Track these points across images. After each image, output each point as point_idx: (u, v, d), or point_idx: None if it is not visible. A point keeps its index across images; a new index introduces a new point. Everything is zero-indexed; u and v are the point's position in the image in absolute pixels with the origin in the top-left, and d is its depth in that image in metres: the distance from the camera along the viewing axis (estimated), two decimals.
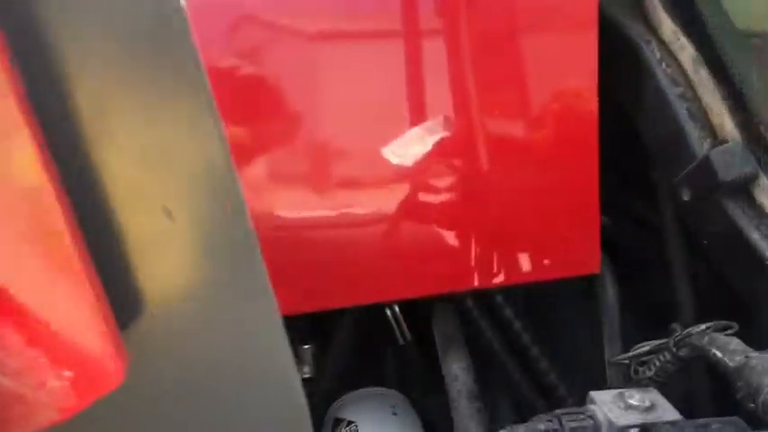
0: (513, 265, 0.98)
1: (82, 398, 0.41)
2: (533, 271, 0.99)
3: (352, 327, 1.29)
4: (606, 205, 1.05)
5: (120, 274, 0.45)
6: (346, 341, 1.30)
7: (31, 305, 0.38)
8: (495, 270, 0.98)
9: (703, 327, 0.78)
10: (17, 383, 0.40)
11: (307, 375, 1.29)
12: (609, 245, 1.09)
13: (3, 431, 0.42)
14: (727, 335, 0.77)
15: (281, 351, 0.53)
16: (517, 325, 1.14)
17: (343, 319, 1.29)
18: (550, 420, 0.76)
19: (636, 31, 1.01)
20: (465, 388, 0.97)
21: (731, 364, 0.72)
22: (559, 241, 1.00)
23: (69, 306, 0.40)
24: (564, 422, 0.76)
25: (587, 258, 1.04)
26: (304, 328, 1.27)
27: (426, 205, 0.94)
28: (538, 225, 0.99)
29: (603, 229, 1.08)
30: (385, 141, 0.92)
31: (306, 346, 1.29)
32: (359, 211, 0.94)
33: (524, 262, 0.99)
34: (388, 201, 0.94)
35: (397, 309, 1.32)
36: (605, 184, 1.02)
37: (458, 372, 1.00)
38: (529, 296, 1.26)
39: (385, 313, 1.30)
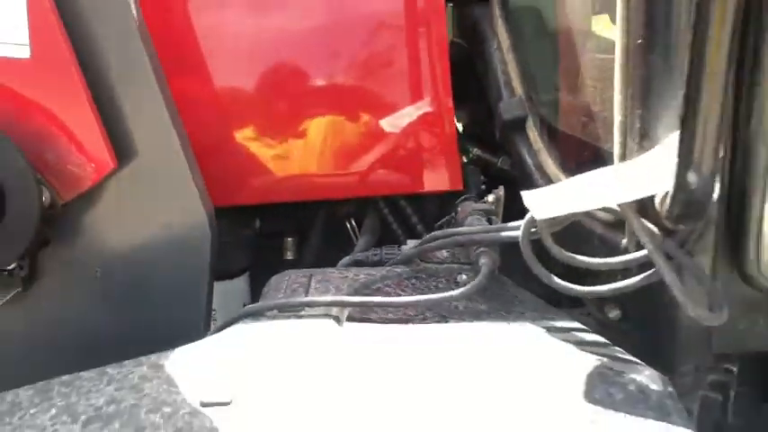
0: (385, 178, 1.55)
1: (98, 174, 1.04)
2: (406, 184, 1.56)
3: (323, 222, 1.87)
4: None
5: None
6: (320, 233, 1.89)
7: (73, 129, 1.02)
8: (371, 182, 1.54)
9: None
10: (73, 167, 1.04)
11: (290, 258, 1.91)
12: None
13: (70, 190, 1.06)
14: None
15: None
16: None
17: (316, 218, 1.87)
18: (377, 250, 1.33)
19: (486, 29, 1.55)
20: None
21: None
22: (425, 160, 1.55)
23: (88, 128, 1.03)
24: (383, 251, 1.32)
25: (451, 176, 1.58)
26: (287, 224, 1.87)
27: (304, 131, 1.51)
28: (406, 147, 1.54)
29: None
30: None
31: (289, 239, 1.91)
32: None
33: (395, 176, 1.55)
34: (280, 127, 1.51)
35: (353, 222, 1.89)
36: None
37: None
38: None
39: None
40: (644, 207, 0.86)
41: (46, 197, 1.04)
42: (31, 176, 1.02)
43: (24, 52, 1.01)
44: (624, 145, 0.87)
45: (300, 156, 1.52)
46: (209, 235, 1.16)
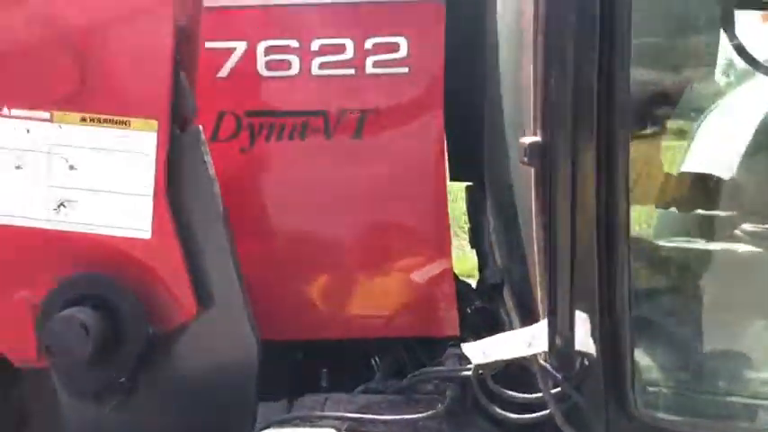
0: (393, 323, 1.97)
1: (185, 317, 1.52)
2: (410, 329, 1.97)
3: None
4: None
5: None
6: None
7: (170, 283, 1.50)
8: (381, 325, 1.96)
9: None
10: (168, 309, 1.52)
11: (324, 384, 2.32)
12: None
13: (164, 325, 1.53)
14: None
15: None
16: None
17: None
18: None
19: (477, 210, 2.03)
20: None
21: None
22: (426, 309, 1.97)
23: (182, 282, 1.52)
24: None
25: (448, 323, 1.99)
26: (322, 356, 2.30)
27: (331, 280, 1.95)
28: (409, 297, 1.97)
29: None
30: None
31: (324, 369, 2.33)
32: None
33: (402, 321, 1.97)
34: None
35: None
36: None
37: None
38: None
39: None
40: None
41: (149, 330, 1.52)
42: (143, 315, 1.50)
43: (147, 235, 1.52)
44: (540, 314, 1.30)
45: (328, 301, 1.95)
46: (256, 364, 1.61)
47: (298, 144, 1.91)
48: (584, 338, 1.20)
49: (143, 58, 1.52)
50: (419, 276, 1.96)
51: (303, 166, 1.92)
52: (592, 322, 1.19)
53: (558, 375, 1.24)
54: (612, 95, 1.19)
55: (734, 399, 1.42)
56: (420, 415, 1.38)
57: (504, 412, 1.31)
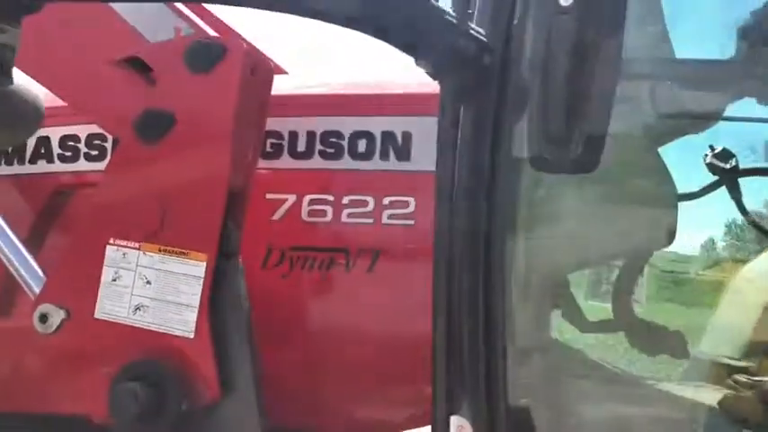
0: None
1: (210, 399, 2.08)
2: None
3: None
4: None
5: None
6: None
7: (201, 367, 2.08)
8: None
9: None
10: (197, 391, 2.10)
11: None
12: None
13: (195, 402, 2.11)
14: None
15: None
16: None
17: None
18: None
19: None
20: None
21: None
22: None
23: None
24: None
25: None
26: None
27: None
28: None
29: None
30: None
31: None
32: None
33: None
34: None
35: None
36: None
37: None
38: None
39: None
40: None
41: (182, 406, 2.09)
42: (179, 393, 2.08)
43: (191, 336, 2.12)
44: None
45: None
46: None
47: (324, 275, 2.48)
48: None
49: (202, 211, 2.18)
50: None
51: (326, 291, 2.48)
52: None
53: None
54: None
55: None
56: None
57: None
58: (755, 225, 3.20)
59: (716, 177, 3.09)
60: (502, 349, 1.59)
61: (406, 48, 1.51)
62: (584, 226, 2.21)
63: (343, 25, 1.41)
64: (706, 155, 3.13)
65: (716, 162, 3.11)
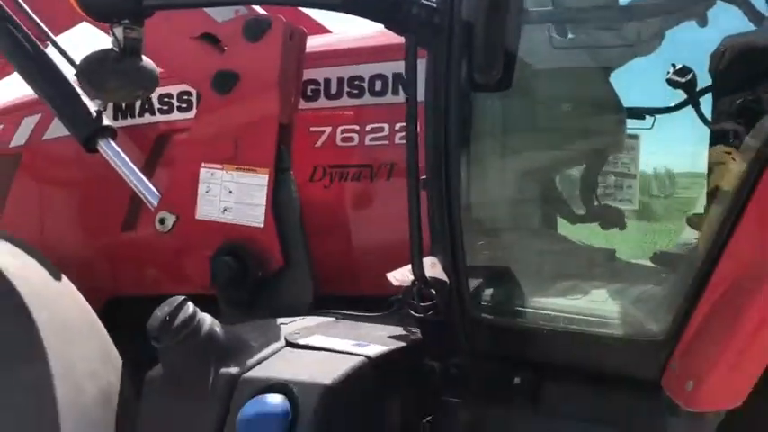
0: None
1: (276, 266, 3.05)
2: None
3: None
4: None
5: None
6: None
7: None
8: None
9: None
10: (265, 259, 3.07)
11: None
12: None
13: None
14: None
15: None
16: None
17: None
18: None
19: None
20: None
21: None
22: None
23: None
24: None
25: None
26: None
27: None
28: None
29: None
30: None
31: None
32: None
33: None
34: None
35: None
36: None
37: None
38: None
39: None
40: None
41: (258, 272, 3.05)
42: (255, 263, 3.04)
43: (261, 225, 3.07)
44: None
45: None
46: (311, 298, 3.08)
47: (355, 184, 3.38)
48: (438, 273, 2.51)
49: (262, 139, 3.11)
50: None
51: (357, 195, 3.39)
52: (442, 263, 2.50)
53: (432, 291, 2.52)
54: None
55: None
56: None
57: None
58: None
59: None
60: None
61: (381, 18, 2.39)
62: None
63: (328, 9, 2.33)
64: (668, 72, 3.84)
65: (675, 78, 3.82)
